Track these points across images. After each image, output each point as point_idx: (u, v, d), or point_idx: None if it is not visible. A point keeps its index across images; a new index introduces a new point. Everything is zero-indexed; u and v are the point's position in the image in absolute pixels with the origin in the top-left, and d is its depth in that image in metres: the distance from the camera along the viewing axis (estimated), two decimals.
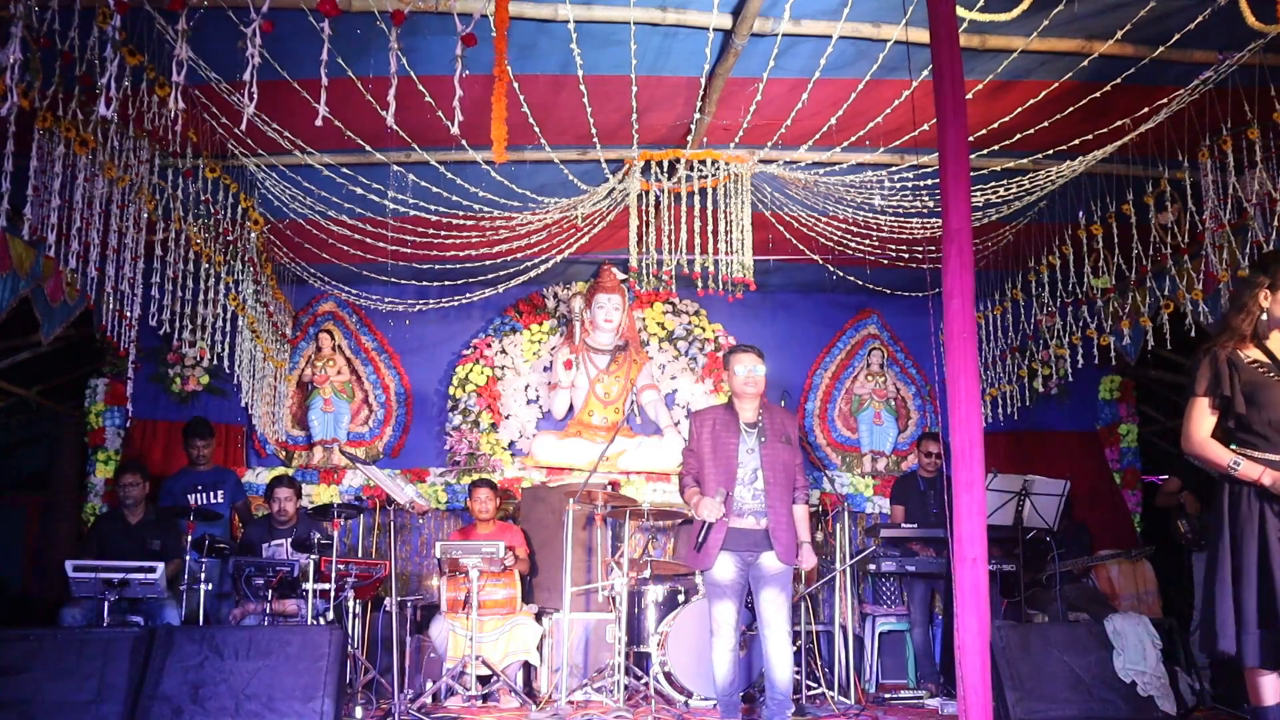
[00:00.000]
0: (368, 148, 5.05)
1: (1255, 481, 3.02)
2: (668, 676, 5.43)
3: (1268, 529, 2.99)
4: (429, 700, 5.39)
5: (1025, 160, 5.24)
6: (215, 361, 6.08)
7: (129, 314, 5.07)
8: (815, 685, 5.50)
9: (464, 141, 4.73)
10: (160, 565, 5.16)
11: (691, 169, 5.36)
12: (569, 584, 5.65)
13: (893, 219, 5.88)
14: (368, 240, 6.06)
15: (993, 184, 5.39)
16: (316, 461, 7.37)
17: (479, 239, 6.15)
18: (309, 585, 5.14)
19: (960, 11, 3.66)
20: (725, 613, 4.34)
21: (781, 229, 6.14)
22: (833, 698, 5.38)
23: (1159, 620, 5.21)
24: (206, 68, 4.29)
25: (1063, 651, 4.63)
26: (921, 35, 3.72)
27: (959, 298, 2.68)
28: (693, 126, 5.08)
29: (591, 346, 7.56)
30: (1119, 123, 4.82)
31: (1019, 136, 4.95)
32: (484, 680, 5.61)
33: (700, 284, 5.70)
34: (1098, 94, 4.55)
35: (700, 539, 4.29)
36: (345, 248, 6.26)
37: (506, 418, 7.64)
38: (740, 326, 7.90)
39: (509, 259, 6.50)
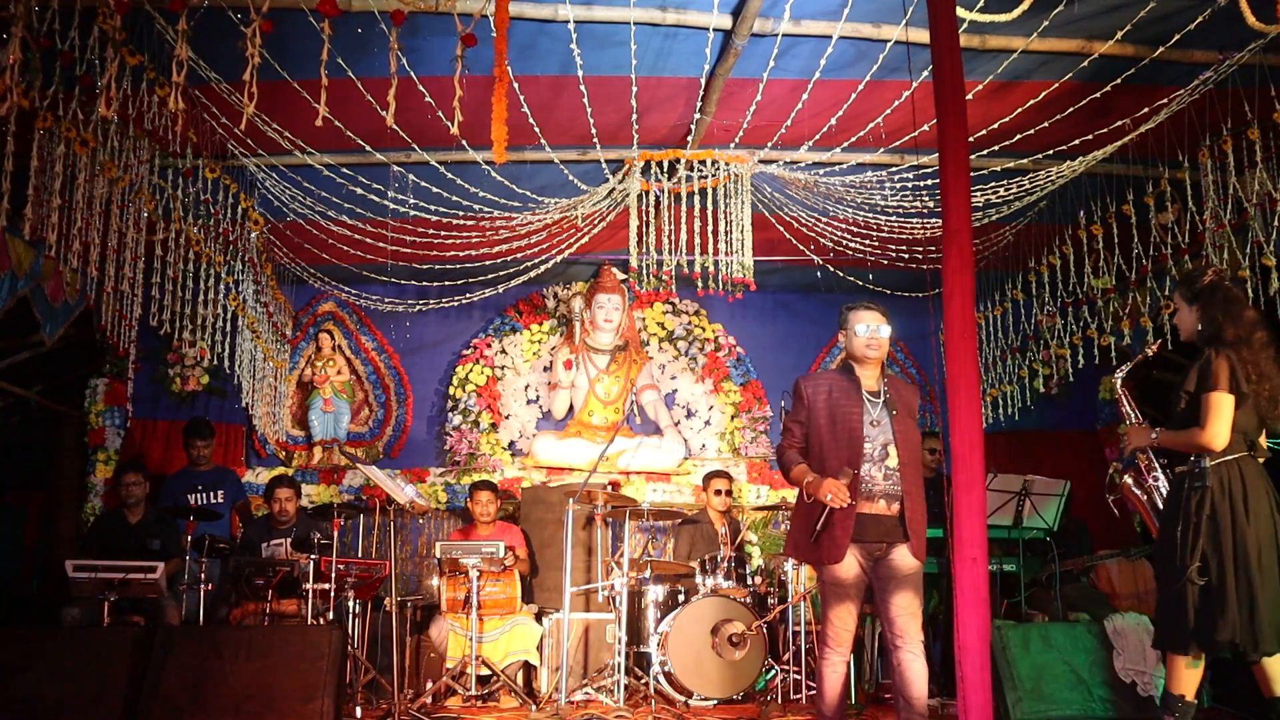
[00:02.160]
0: (368, 148, 5.05)
1: None
2: (668, 676, 5.43)
3: None
4: (429, 700, 5.39)
5: (1025, 160, 5.25)
6: (215, 361, 6.08)
7: (129, 314, 5.07)
8: (815, 685, 5.50)
9: (464, 142, 4.73)
10: (160, 565, 5.16)
11: (691, 169, 5.36)
12: (569, 584, 5.65)
13: (893, 219, 5.88)
14: (368, 240, 6.06)
15: (993, 184, 5.40)
16: (316, 461, 7.37)
17: (479, 239, 6.15)
18: (309, 585, 5.14)
19: (960, 12, 3.67)
20: (846, 618, 3.69)
21: (781, 229, 6.14)
22: None
23: None
24: (206, 68, 4.29)
25: (1063, 651, 4.63)
26: (921, 35, 3.72)
27: (959, 298, 2.67)
28: (693, 127, 5.08)
29: (591, 346, 7.56)
30: (1119, 123, 4.82)
31: (1019, 136, 4.95)
32: (484, 680, 5.61)
33: (700, 284, 5.71)
34: (1098, 94, 4.55)
35: (820, 525, 3.59)
36: (345, 248, 6.27)
37: (506, 418, 7.65)
38: (740, 326, 7.91)
39: (509, 259, 6.50)
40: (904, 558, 3.66)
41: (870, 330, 3.74)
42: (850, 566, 3.62)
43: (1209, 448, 3.33)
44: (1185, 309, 3.57)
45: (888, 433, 3.70)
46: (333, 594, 5.15)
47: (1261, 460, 3.45)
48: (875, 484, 3.67)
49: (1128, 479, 3.79)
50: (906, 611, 3.65)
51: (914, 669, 3.64)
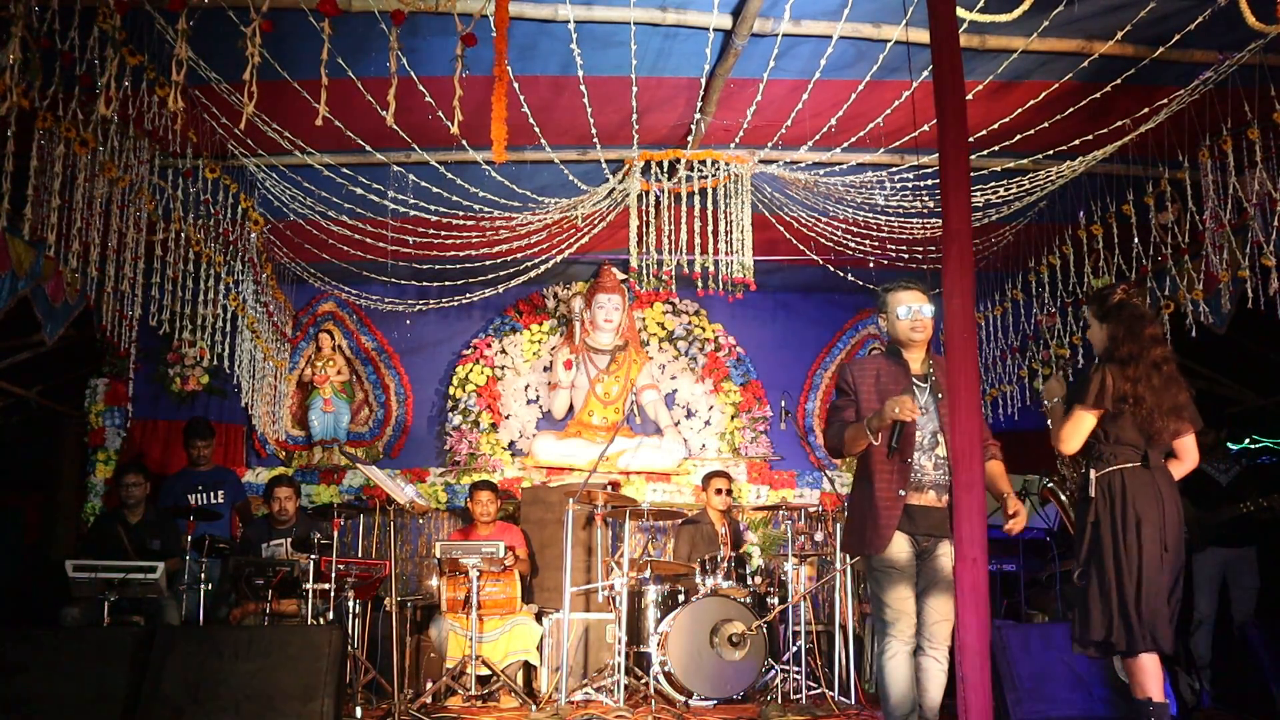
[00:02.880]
0: (368, 148, 5.05)
1: None
2: (668, 676, 5.44)
3: None
4: (429, 700, 5.39)
5: (1025, 160, 5.24)
6: (215, 361, 6.08)
7: (129, 314, 5.07)
8: (815, 685, 5.51)
9: (464, 142, 4.73)
10: (160, 565, 5.16)
11: (692, 169, 5.36)
12: (569, 584, 5.65)
13: (893, 219, 5.88)
14: (368, 240, 6.06)
15: (993, 184, 5.39)
16: (316, 461, 7.37)
17: (479, 239, 6.15)
18: (309, 585, 5.14)
19: (960, 12, 3.66)
20: (903, 599, 3.44)
21: (781, 229, 6.14)
22: (833, 698, 5.38)
23: None
24: (206, 68, 4.29)
25: (1063, 651, 4.63)
26: (922, 35, 3.71)
27: (959, 298, 2.66)
28: (693, 127, 5.08)
29: (591, 346, 7.56)
30: (1119, 123, 4.82)
31: (1019, 137, 4.95)
32: (484, 680, 5.61)
33: (700, 284, 5.70)
34: (1098, 94, 4.55)
35: (894, 441, 3.37)
36: (345, 248, 6.27)
37: (506, 418, 7.65)
38: (740, 326, 7.91)
39: (509, 259, 6.50)
40: (948, 557, 3.44)
41: (913, 311, 3.52)
42: (901, 549, 3.44)
43: (1059, 450, 3.59)
44: (1096, 326, 3.74)
45: (935, 419, 3.48)
46: (333, 594, 5.16)
47: (1180, 469, 3.67)
48: (925, 474, 3.45)
49: (1050, 484, 4.18)
50: (941, 616, 3.46)
51: (934, 674, 3.48)
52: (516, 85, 4.45)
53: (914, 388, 3.49)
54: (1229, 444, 6.69)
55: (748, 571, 5.91)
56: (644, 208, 5.66)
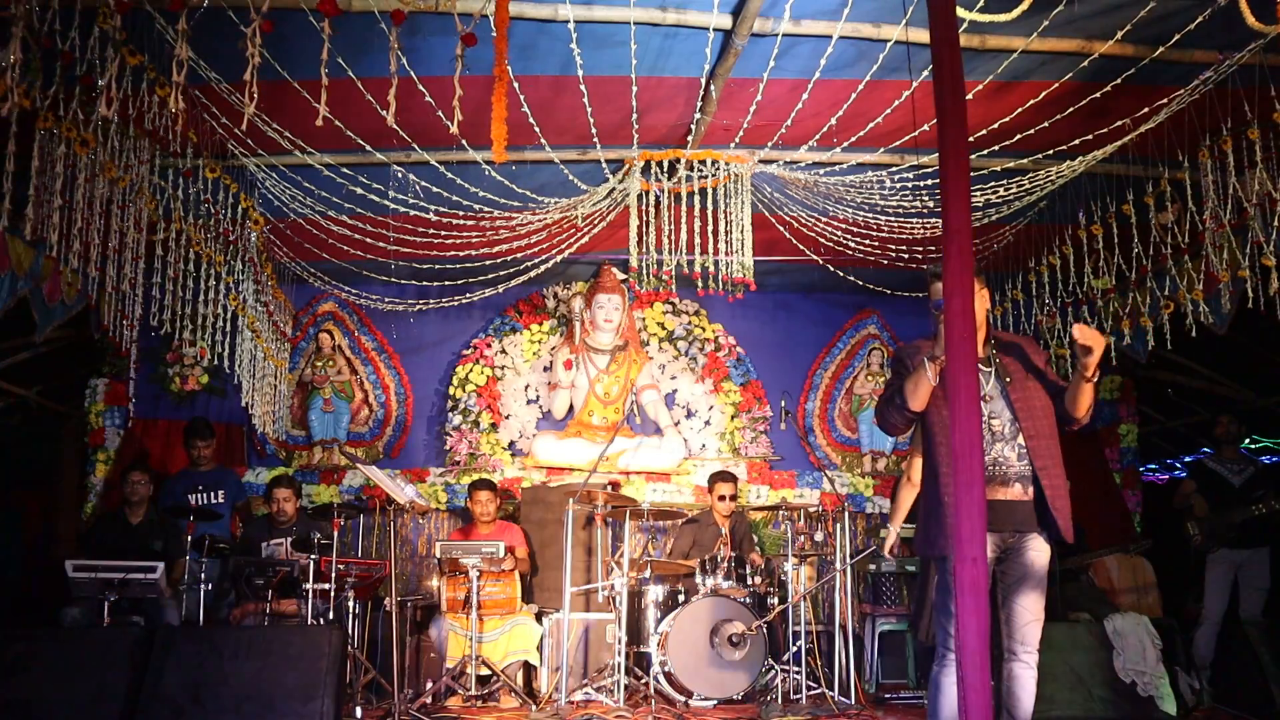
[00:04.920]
0: (368, 148, 5.05)
1: None
2: (668, 676, 5.44)
3: None
4: (429, 700, 5.39)
5: (1025, 160, 5.24)
6: (215, 361, 6.08)
7: (129, 314, 5.08)
8: (815, 685, 5.51)
9: (464, 141, 4.73)
10: (160, 565, 5.16)
11: (691, 169, 5.36)
12: (569, 584, 5.65)
13: (893, 219, 5.88)
14: (368, 240, 6.06)
15: (993, 184, 5.39)
16: (316, 461, 7.37)
17: (479, 239, 6.15)
18: (309, 585, 5.14)
19: (960, 12, 3.66)
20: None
21: (781, 229, 6.14)
22: (833, 698, 5.38)
23: (1159, 620, 5.22)
24: (206, 68, 4.29)
25: (1062, 651, 4.64)
26: (922, 35, 3.71)
27: (959, 298, 2.66)
28: (693, 127, 5.08)
29: (591, 346, 7.56)
30: (1119, 123, 4.82)
31: (1019, 136, 4.94)
32: (484, 680, 5.61)
33: (700, 284, 5.70)
34: (1098, 94, 4.54)
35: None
36: (345, 247, 6.27)
37: (506, 418, 7.65)
38: (740, 326, 7.92)
39: (509, 259, 6.50)
40: (1038, 551, 3.26)
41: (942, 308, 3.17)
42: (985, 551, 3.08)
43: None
44: None
45: (1009, 406, 3.26)
46: (333, 594, 5.16)
47: None
48: (1010, 466, 3.22)
49: None
50: (1032, 615, 3.24)
51: (1025, 683, 3.24)
52: (516, 85, 4.45)
53: (978, 375, 3.03)
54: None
55: (748, 571, 5.91)
56: (644, 207, 5.66)
